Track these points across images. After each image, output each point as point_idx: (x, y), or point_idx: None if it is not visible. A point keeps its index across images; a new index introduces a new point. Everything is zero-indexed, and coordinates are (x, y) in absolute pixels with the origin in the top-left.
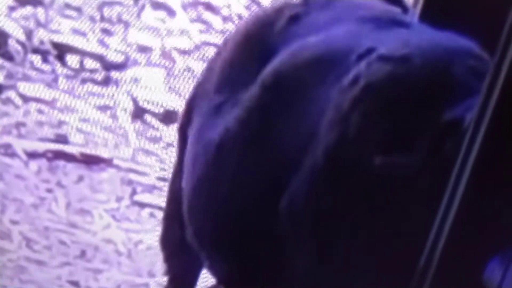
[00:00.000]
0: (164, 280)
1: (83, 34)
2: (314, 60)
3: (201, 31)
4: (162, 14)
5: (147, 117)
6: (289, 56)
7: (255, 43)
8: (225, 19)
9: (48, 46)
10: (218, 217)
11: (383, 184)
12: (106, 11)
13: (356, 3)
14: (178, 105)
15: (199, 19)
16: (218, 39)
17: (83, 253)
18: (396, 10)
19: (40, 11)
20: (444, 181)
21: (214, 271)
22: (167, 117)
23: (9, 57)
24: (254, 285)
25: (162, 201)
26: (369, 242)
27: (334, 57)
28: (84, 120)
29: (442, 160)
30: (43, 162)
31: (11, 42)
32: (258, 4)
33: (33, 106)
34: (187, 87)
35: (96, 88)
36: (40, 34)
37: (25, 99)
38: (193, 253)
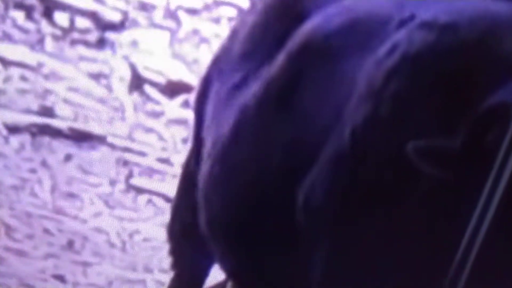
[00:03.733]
0: (162, 276)
1: None
2: (349, 26)
3: None
4: None
5: (147, 88)
6: (321, 20)
7: (286, 7)
8: None
9: (33, 1)
10: (235, 205)
11: (416, 172)
12: None
13: None
14: (184, 74)
15: None
16: None
17: (70, 244)
18: None
19: None
20: (484, 174)
21: (225, 265)
22: (170, 88)
23: None
24: (265, 281)
25: (162, 186)
26: (397, 239)
27: (372, 23)
28: (74, 89)
29: (485, 148)
30: (26, 138)
31: None
32: None
33: (14, 71)
34: (195, 54)
35: (88, 52)
36: None
37: (5, 63)
38: (204, 246)
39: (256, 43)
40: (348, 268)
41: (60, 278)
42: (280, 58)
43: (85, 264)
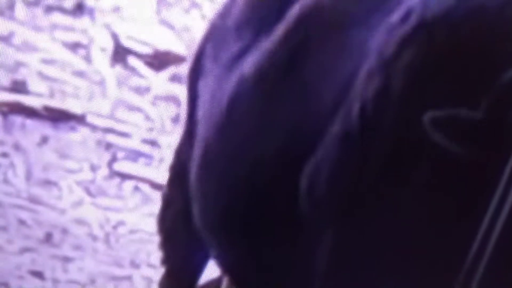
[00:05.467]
0: (151, 272)
1: None
2: None
3: None
4: None
5: (131, 60)
6: None
7: None
8: None
9: None
10: (231, 193)
11: (433, 148)
12: None
13: None
14: (172, 43)
15: None
16: None
17: (48, 237)
18: None
19: None
20: (505, 154)
21: (221, 259)
22: (157, 60)
23: None
24: (265, 276)
25: (149, 171)
26: (407, 227)
27: None
28: (49, 62)
29: (508, 122)
30: None
31: None
32: None
33: None
34: (184, 20)
35: (64, 19)
36: None
37: None
38: (199, 239)
39: (255, 10)
40: (355, 261)
41: (38, 275)
42: (282, 27)
43: (65, 259)
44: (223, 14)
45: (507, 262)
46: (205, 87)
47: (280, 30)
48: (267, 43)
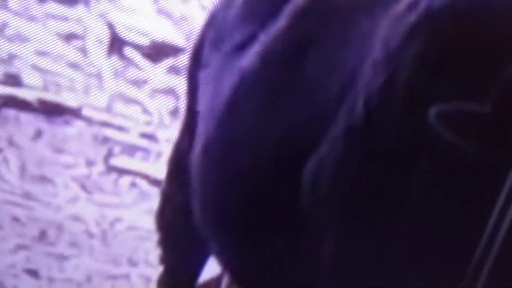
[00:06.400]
0: (149, 271)
1: None
2: None
3: None
4: None
5: (128, 51)
6: None
7: None
8: None
9: None
10: (232, 189)
11: (440, 142)
12: None
13: None
14: (170, 34)
15: None
16: None
17: (43, 234)
18: None
19: None
20: None
21: (221, 257)
22: (155, 51)
23: None
24: (267, 274)
25: (147, 166)
26: (412, 225)
27: None
28: (43, 53)
29: None
30: None
31: None
32: None
33: None
34: (182, 9)
35: (59, 9)
36: None
37: None
38: (199, 236)
39: (259, 1)
40: (360, 260)
41: (33, 273)
42: (284, 18)
43: (61, 257)
44: (225, 4)
45: None
46: (206, 78)
47: (282, 21)
48: (270, 35)
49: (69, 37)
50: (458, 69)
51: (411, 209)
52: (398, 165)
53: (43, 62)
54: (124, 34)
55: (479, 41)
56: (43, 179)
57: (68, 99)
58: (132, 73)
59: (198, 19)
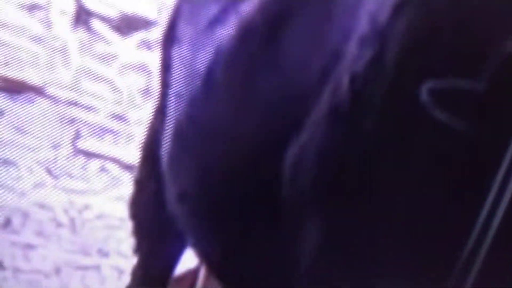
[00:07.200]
0: (121, 261)
1: None
2: None
3: None
4: None
5: (95, 24)
6: None
7: None
8: None
9: None
10: (208, 175)
11: (432, 122)
12: None
13: None
14: (140, 5)
15: None
16: None
17: (7, 222)
18: None
19: None
20: (505, 132)
21: (198, 248)
22: (124, 24)
23: None
24: (245, 266)
25: (117, 149)
26: (400, 214)
27: None
28: (3, 26)
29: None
30: None
31: None
32: None
33: None
34: None
35: None
36: None
37: None
38: (174, 225)
39: None
40: (343, 249)
41: None
42: None
43: (27, 247)
44: None
45: (507, 248)
46: (180, 54)
47: None
48: (246, 7)
49: (31, 8)
50: (451, 44)
51: (401, 195)
52: (387, 148)
53: (4, 36)
54: (91, 5)
55: (472, 14)
56: (6, 163)
57: (31, 76)
58: (100, 47)
59: None
